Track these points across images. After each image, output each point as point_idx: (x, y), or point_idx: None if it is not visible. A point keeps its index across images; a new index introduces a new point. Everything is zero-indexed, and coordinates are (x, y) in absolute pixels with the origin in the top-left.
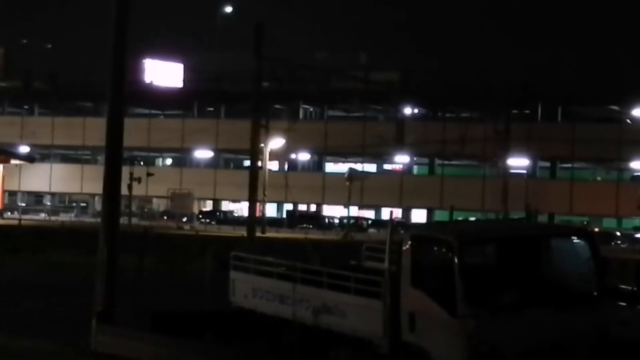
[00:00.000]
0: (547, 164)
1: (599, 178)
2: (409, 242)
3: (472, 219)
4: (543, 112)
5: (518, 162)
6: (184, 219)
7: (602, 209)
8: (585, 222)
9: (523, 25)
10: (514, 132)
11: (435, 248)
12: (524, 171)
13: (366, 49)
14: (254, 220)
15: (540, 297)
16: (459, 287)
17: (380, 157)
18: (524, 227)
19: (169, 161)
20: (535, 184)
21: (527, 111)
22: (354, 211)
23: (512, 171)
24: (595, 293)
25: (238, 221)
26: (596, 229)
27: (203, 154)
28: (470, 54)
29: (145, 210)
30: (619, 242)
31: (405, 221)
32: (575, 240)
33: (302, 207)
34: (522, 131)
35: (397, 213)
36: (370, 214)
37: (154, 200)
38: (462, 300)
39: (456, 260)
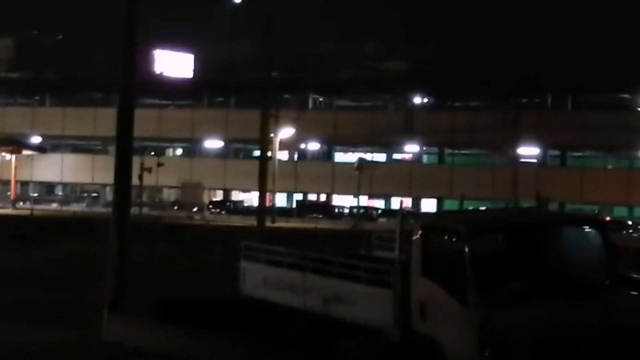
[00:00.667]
0: (558, 152)
1: (609, 166)
2: (419, 232)
3: (482, 208)
4: (553, 100)
5: (528, 151)
6: (195, 209)
7: (613, 197)
8: (596, 211)
9: (534, 11)
10: (524, 121)
11: (446, 237)
12: (534, 160)
13: (375, 38)
14: (263, 210)
15: (550, 286)
16: (469, 276)
17: (389, 146)
18: (535, 216)
19: (179, 151)
20: (545, 173)
21: (537, 99)
22: (364, 201)
23: (522, 160)
24: (606, 282)
25: (248, 211)
26: (607, 218)
27: (213, 144)
28: (479, 42)
29: (156, 200)
30: (630, 230)
31: (415, 210)
32: (586, 229)
33: (312, 197)
34: (532, 119)
35: (407, 202)
36: (380, 203)
37: (165, 190)
38: (472, 289)
39: (466, 249)
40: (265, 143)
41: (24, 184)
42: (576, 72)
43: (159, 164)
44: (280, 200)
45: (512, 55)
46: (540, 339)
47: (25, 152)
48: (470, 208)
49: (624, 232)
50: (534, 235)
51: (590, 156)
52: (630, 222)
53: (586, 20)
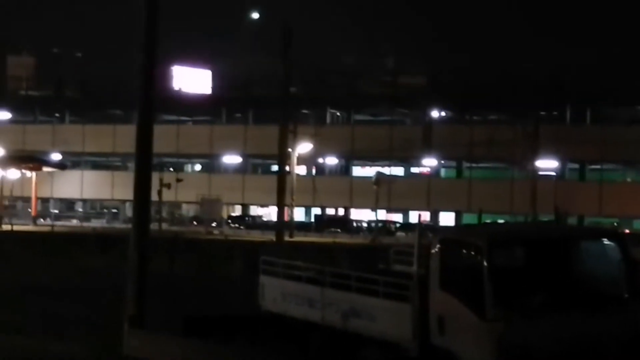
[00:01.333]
0: (576, 166)
1: (628, 179)
2: (438, 245)
3: (501, 221)
4: (572, 114)
5: (547, 164)
6: (213, 224)
7: (633, 210)
8: (615, 224)
9: (550, 27)
10: (543, 134)
11: (464, 251)
12: (553, 173)
13: (393, 52)
14: (282, 225)
15: (570, 300)
16: (488, 290)
17: (407, 160)
18: (553, 230)
19: (198, 167)
20: (564, 186)
21: (556, 113)
22: (382, 215)
23: (540, 173)
24: (625, 295)
25: (267, 226)
26: (626, 231)
27: (231, 159)
28: (497, 57)
29: (175, 215)
30: None
31: (433, 224)
32: (605, 242)
33: (330, 211)
34: (551, 133)
35: (425, 216)
36: (398, 217)
37: (184, 205)
38: (491, 303)
39: (485, 263)
40: (283, 158)
41: (45, 201)
42: (595, 85)
43: (178, 180)
44: (299, 214)
45: (531, 68)
46: (559, 353)
47: (46, 169)
48: (489, 222)
49: None
50: (552, 248)
51: (609, 169)
52: None
53: (605, 33)
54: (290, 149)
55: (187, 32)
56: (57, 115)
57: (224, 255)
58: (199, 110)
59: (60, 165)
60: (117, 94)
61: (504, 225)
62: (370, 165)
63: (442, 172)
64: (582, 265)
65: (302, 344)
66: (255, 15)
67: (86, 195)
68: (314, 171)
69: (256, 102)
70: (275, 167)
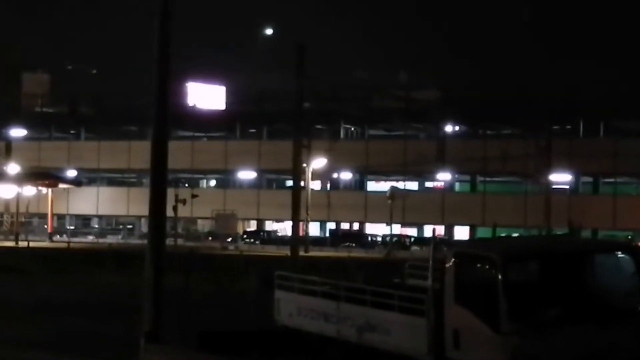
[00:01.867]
0: (590, 179)
1: None
2: (452, 260)
3: (515, 235)
4: (585, 127)
5: (560, 178)
6: (229, 240)
7: None
8: (629, 237)
9: (562, 40)
10: (556, 148)
11: (479, 265)
12: (567, 187)
13: (406, 67)
14: (297, 240)
15: (584, 313)
16: (502, 303)
17: (421, 175)
18: (567, 243)
19: (212, 182)
20: (578, 200)
21: (569, 126)
22: (397, 229)
23: (554, 187)
24: None
25: (282, 241)
26: None
27: (246, 174)
28: (509, 71)
29: (191, 231)
30: None
31: (447, 238)
32: (619, 255)
33: (345, 226)
34: (564, 147)
35: (440, 230)
36: (412, 231)
37: (199, 221)
38: (505, 317)
39: (500, 277)
40: (298, 173)
41: (61, 217)
42: (608, 98)
43: (193, 196)
44: (314, 229)
45: (544, 82)
46: None
47: (61, 185)
48: (503, 235)
49: None
50: (566, 262)
51: (623, 182)
52: None
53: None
54: (304, 164)
55: (201, 48)
56: (72, 132)
57: (239, 270)
58: (213, 126)
59: (76, 182)
60: (132, 110)
61: (518, 239)
62: (385, 180)
63: (456, 186)
64: (597, 278)
65: (318, 359)
66: (268, 31)
67: (102, 212)
68: (328, 186)
69: (270, 118)
70: (289, 182)
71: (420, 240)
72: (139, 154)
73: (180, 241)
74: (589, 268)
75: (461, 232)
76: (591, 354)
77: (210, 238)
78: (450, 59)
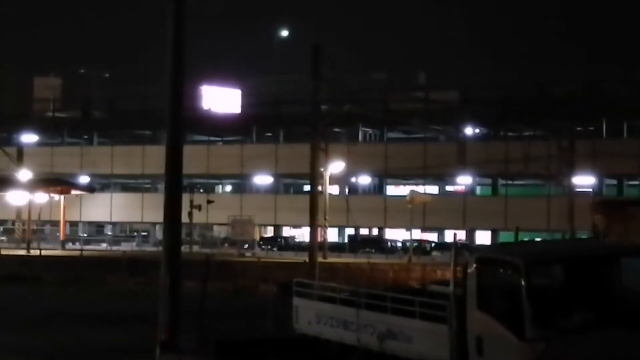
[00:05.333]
0: (614, 182)
1: None
2: (474, 265)
3: (538, 239)
4: (608, 128)
5: (584, 180)
6: (245, 246)
7: None
8: None
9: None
10: (579, 149)
11: (501, 270)
12: (590, 189)
13: (425, 67)
14: (315, 246)
15: (610, 318)
16: (526, 309)
17: (442, 178)
18: (592, 247)
19: (228, 188)
20: None
21: (592, 127)
22: (417, 234)
23: (577, 189)
24: None
25: (299, 246)
26: None
27: (263, 179)
28: (531, 71)
29: (207, 237)
30: None
31: (469, 243)
32: None
33: (364, 231)
34: (587, 148)
35: (461, 235)
36: (433, 236)
37: (215, 227)
38: (530, 323)
39: (523, 282)
40: (315, 177)
41: (73, 224)
42: (631, 98)
43: (209, 201)
44: (332, 235)
45: (566, 82)
46: None
47: (74, 192)
48: (526, 240)
49: None
50: (591, 266)
51: None
52: None
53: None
54: (322, 168)
55: (216, 51)
56: (85, 136)
57: (257, 277)
58: (228, 130)
59: (89, 188)
60: (146, 114)
61: (542, 243)
62: (404, 184)
63: (478, 189)
64: (622, 282)
65: None
66: (284, 33)
67: (115, 218)
68: (347, 190)
69: (287, 121)
70: (307, 187)
71: (441, 245)
72: (153, 159)
73: (195, 248)
74: (614, 272)
75: (483, 237)
76: (619, 358)
77: (226, 244)
78: (470, 59)
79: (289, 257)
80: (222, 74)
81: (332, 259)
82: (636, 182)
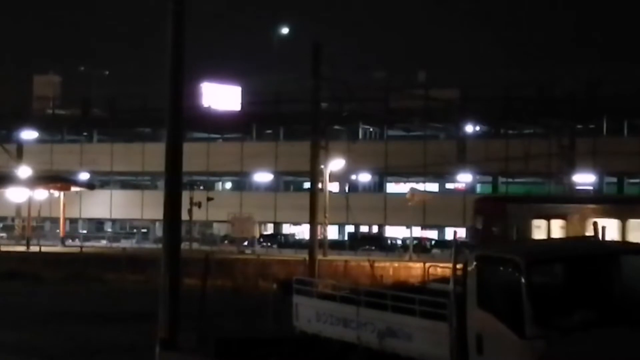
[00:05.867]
0: (614, 180)
1: None
2: (475, 263)
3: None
4: (608, 126)
5: (584, 178)
6: (245, 243)
7: None
8: None
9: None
10: (579, 148)
11: (502, 268)
12: (591, 187)
13: (425, 66)
14: (315, 243)
15: (612, 317)
16: (527, 307)
17: (442, 176)
18: (593, 245)
19: (228, 185)
20: None
21: (592, 125)
22: (417, 232)
23: (578, 187)
24: None
25: (299, 244)
26: None
27: (263, 177)
28: (531, 69)
29: (206, 235)
30: None
31: (469, 241)
32: None
33: (364, 229)
34: (588, 146)
35: (461, 233)
36: (433, 234)
37: (215, 224)
38: (530, 322)
39: (523, 280)
40: (315, 175)
41: (73, 221)
42: (632, 96)
43: (209, 199)
44: (332, 232)
45: (566, 80)
46: None
47: (74, 189)
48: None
49: None
50: (592, 264)
51: None
52: None
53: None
54: (322, 166)
55: (216, 48)
56: (84, 134)
57: (257, 274)
58: (228, 127)
59: (89, 185)
60: (146, 111)
61: (542, 241)
62: (404, 182)
63: (478, 187)
64: (624, 281)
65: None
66: (284, 31)
67: (115, 215)
68: (347, 188)
69: (287, 118)
70: (307, 185)
71: (441, 243)
72: (153, 156)
73: (195, 245)
74: (616, 270)
75: None
76: (621, 357)
77: (226, 242)
78: (470, 57)
79: (289, 254)
80: (222, 72)
81: (332, 256)
82: (636, 180)
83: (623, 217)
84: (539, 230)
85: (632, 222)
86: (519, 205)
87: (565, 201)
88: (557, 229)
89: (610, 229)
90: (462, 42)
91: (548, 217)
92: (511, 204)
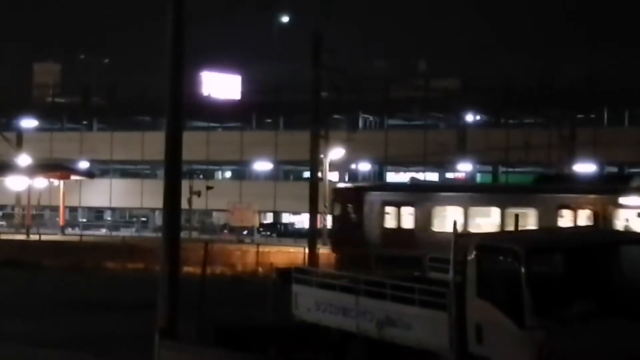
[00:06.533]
0: (615, 169)
1: None
2: (474, 252)
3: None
4: (609, 116)
5: (584, 168)
6: (245, 232)
7: None
8: None
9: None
10: (580, 137)
11: (501, 258)
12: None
13: (425, 55)
14: (315, 232)
15: (611, 307)
16: (526, 297)
17: (442, 165)
18: (593, 235)
19: (228, 174)
20: None
21: (593, 115)
22: None
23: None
24: None
25: (299, 233)
26: None
27: (262, 166)
28: (532, 58)
29: (206, 224)
30: None
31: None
32: None
33: None
34: (588, 136)
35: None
36: None
37: (214, 213)
38: (530, 311)
39: (523, 270)
40: (315, 164)
41: (73, 210)
42: (633, 85)
43: (208, 187)
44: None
45: (567, 69)
46: None
47: (74, 177)
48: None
49: None
50: (592, 254)
51: None
52: None
53: None
54: (322, 155)
55: (216, 37)
56: (84, 122)
57: (256, 263)
58: (228, 116)
59: (89, 174)
60: (145, 100)
61: (542, 231)
62: (404, 171)
63: (478, 177)
64: (624, 271)
65: (337, 354)
66: (285, 19)
67: (115, 204)
68: (346, 177)
69: (287, 108)
70: (307, 174)
71: None
72: (152, 145)
73: (195, 234)
74: (616, 260)
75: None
76: (622, 348)
77: (225, 231)
78: (471, 47)
79: (289, 243)
80: (222, 60)
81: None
82: (637, 170)
83: (465, 205)
84: (390, 216)
85: (473, 210)
86: (372, 193)
87: (414, 189)
88: (407, 215)
89: (454, 216)
90: (462, 32)
91: (398, 205)
92: (365, 192)
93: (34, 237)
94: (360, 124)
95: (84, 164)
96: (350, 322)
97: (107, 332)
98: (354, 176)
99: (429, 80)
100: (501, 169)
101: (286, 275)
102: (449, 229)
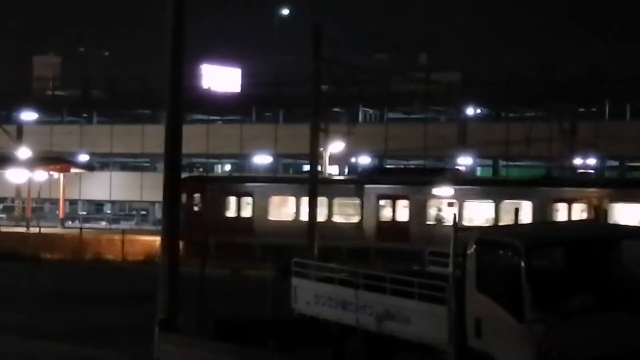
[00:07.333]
0: (616, 163)
1: None
2: (474, 246)
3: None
4: (611, 110)
5: (585, 162)
6: None
7: None
8: None
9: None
10: (581, 131)
11: (501, 252)
12: (592, 171)
13: (426, 48)
14: (314, 226)
15: (612, 301)
16: (526, 291)
17: (442, 159)
18: (593, 229)
19: (228, 167)
20: None
21: (594, 109)
22: None
23: (579, 171)
24: None
25: None
26: None
27: (262, 159)
28: (533, 52)
29: None
30: None
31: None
32: None
33: None
34: (589, 130)
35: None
36: None
37: None
38: (529, 306)
39: (523, 264)
40: (315, 158)
41: (73, 203)
42: (635, 79)
43: None
44: None
45: (568, 63)
46: (602, 356)
47: (73, 170)
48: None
49: None
50: (592, 249)
51: None
52: None
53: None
54: (322, 149)
55: (216, 29)
56: (84, 115)
57: (256, 256)
58: (228, 109)
59: (88, 167)
60: (145, 93)
61: (542, 225)
62: (405, 165)
63: (478, 170)
64: (624, 265)
65: (336, 347)
66: (285, 12)
67: (115, 197)
68: (346, 171)
69: (287, 101)
70: (306, 167)
71: None
72: (152, 138)
73: None
74: (616, 254)
75: None
76: (622, 342)
77: None
78: (472, 40)
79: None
80: (222, 53)
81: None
82: (638, 164)
83: (298, 195)
84: (232, 206)
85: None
86: (215, 184)
87: (252, 181)
88: (245, 205)
89: (288, 206)
90: (463, 25)
91: (238, 195)
92: (208, 183)
93: (33, 229)
94: (361, 117)
95: (83, 157)
96: (349, 316)
97: (107, 324)
98: (354, 170)
99: (429, 74)
100: (501, 162)
101: (285, 268)
102: (283, 217)
